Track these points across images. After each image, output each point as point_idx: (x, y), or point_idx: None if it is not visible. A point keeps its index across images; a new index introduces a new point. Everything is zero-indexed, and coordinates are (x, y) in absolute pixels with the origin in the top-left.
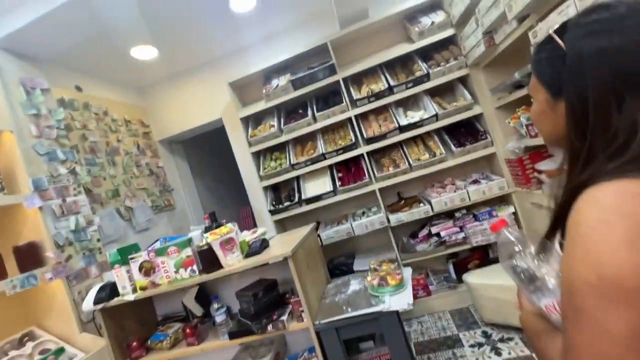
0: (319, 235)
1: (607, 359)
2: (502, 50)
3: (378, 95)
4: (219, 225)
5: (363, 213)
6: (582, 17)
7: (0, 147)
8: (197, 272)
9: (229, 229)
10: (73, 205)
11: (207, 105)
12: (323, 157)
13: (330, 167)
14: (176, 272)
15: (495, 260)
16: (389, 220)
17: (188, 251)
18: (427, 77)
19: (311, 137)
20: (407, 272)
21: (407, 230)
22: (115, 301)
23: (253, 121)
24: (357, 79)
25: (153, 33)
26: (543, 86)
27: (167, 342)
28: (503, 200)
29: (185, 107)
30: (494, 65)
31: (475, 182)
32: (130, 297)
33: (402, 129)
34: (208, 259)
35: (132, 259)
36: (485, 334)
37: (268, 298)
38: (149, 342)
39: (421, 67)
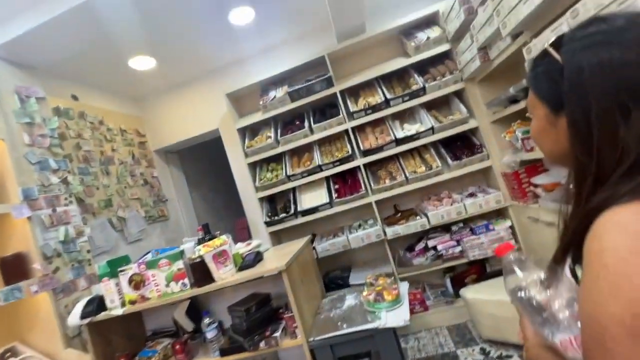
0: (314, 248)
1: None
2: (496, 66)
3: (375, 108)
4: (212, 237)
5: (359, 225)
6: (579, 30)
7: None
8: (188, 286)
9: (223, 241)
10: (63, 215)
11: (204, 116)
12: (319, 168)
13: (326, 178)
14: (167, 285)
15: (493, 275)
16: (385, 233)
17: (180, 264)
18: (423, 91)
19: (308, 148)
20: (404, 287)
21: (403, 243)
22: (102, 315)
23: (250, 132)
24: (354, 92)
25: (152, 44)
26: (542, 101)
27: (156, 359)
28: (500, 213)
29: (182, 117)
30: (489, 80)
31: (472, 195)
32: (119, 312)
33: (398, 141)
34: (200, 272)
35: (121, 271)
36: (484, 351)
37: (261, 313)
38: (137, 358)
39: (417, 81)
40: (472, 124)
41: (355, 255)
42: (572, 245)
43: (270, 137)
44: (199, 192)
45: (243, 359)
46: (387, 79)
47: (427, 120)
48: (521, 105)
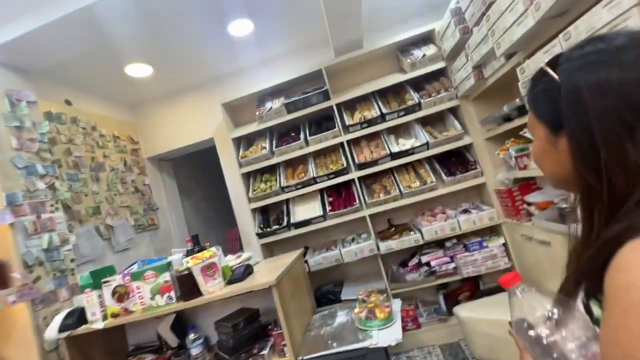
0: (306, 261)
1: None
2: (491, 84)
3: (370, 122)
4: (201, 249)
5: (353, 239)
6: (576, 49)
7: None
8: (174, 299)
9: (212, 253)
10: (48, 222)
11: (199, 125)
12: (314, 180)
13: (320, 191)
14: (152, 298)
15: (487, 293)
16: (378, 248)
17: (166, 276)
18: (418, 107)
19: (303, 160)
20: (397, 305)
21: (396, 258)
22: (82, 329)
23: (245, 142)
24: (350, 105)
25: (150, 52)
26: (541, 121)
27: None
28: (493, 230)
29: (177, 125)
30: (484, 98)
31: (466, 211)
32: (99, 325)
33: (393, 155)
34: (187, 285)
35: (105, 282)
36: None
37: (249, 330)
38: None
39: (413, 97)
40: (466, 140)
41: (348, 270)
42: (586, 277)
43: (265, 147)
44: (191, 201)
45: None
46: (383, 94)
47: (422, 136)
48: (515, 123)
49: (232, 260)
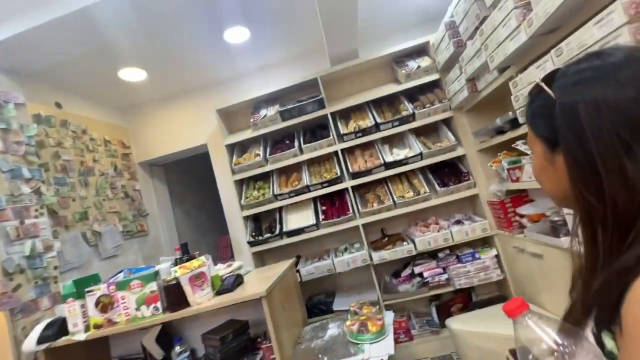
0: (298, 271)
1: None
2: (484, 97)
3: (365, 131)
4: (190, 258)
5: (345, 249)
6: (572, 65)
7: None
8: (160, 310)
9: (201, 262)
10: (32, 228)
11: (193, 130)
12: (307, 189)
13: (314, 199)
14: (137, 309)
15: (479, 305)
16: (371, 258)
17: (153, 286)
18: (412, 117)
19: (296, 168)
20: (389, 317)
21: (389, 269)
22: (62, 341)
23: (238, 149)
24: (345, 114)
25: (145, 57)
26: (538, 138)
27: None
28: (486, 242)
29: (170, 130)
30: (477, 110)
31: (459, 222)
32: (81, 337)
33: (387, 165)
34: (174, 296)
35: (89, 292)
36: None
37: (237, 342)
38: None
39: (407, 107)
40: (459, 151)
41: (340, 280)
42: (598, 307)
43: (259, 155)
44: (182, 207)
45: None
46: (378, 104)
47: (415, 146)
48: (507, 136)
49: (222, 270)
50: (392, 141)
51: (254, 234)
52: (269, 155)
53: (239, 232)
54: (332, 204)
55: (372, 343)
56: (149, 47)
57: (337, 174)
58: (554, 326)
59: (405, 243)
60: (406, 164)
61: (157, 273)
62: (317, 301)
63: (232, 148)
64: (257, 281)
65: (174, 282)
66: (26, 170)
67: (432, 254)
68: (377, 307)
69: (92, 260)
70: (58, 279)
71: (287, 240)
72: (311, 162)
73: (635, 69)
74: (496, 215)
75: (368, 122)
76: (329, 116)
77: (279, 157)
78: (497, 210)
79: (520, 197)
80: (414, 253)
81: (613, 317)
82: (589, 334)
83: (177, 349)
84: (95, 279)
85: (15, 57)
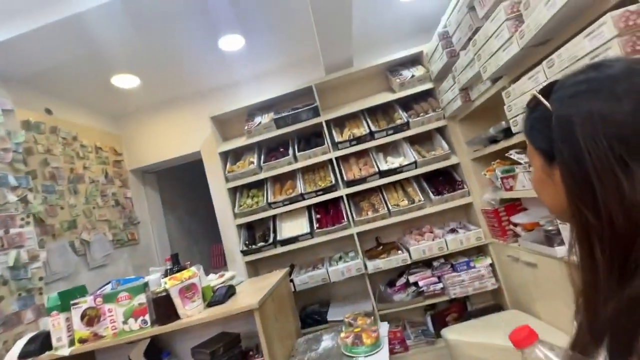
0: (292, 280)
1: None
2: (477, 106)
3: (359, 140)
4: (181, 269)
5: (340, 258)
6: (570, 77)
7: None
8: (148, 323)
9: (192, 273)
10: (17, 238)
11: (186, 137)
12: (302, 197)
13: (308, 208)
14: (124, 322)
15: (474, 315)
16: (366, 267)
17: (141, 298)
18: (407, 126)
19: (291, 176)
20: (384, 329)
21: (384, 278)
22: (46, 356)
23: (232, 156)
24: (340, 122)
25: (138, 63)
26: (536, 151)
27: None
28: (480, 250)
29: (163, 137)
30: (470, 119)
31: (453, 231)
32: (65, 352)
33: (381, 173)
34: (164, 308)
35: (74, 304)
36: None
37: (228, 356)
38: None
39: (401, 116)
40: (453, 160)
41: (334, 289)
42: (610, 336)
43: (253, 162)
44: (175, 215)
45: None
46: (372, 112)
47: (410, 154)
48: (501, 145)
49: (214, 280)
50: (387, 149)
51: (247, 242)
52: (263, 163)
53: (232, 240)
54: (327, 212)
55: (366, 356)
56: (143, 54)
57: (331, 182)
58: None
59: (400, 252)
60: (401, 172)
61: (146, 284)
62: (312, 311)
63: (226, 155)
64: (250, 292)
65: (164, 293)
66: (12, 178)
67: (426, 263)
68: (372, 318)
69: (80, 270)
70: (43, 290)
71: (281, 249)
72: (306, 170)
73: (633, 82)
74: (490, 224)
75: (363, 130)
76: (324, 124)
77: (274, 164)
78: (491, 219)
79: (514, 205)
80: (409, 262)
81: (630, 347)
82: None
83: None
84: (81, 291)
85: (5, 62)
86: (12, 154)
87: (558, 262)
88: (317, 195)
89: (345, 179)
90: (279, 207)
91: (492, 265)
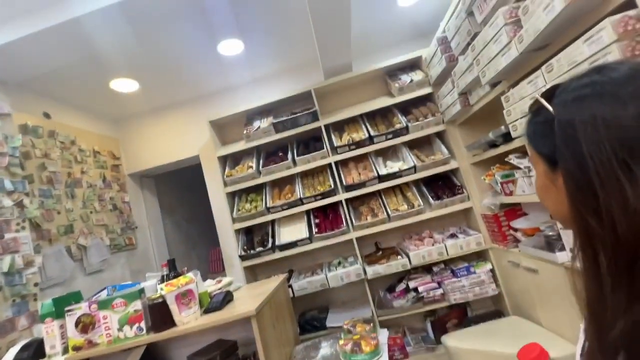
0: (290, 286)
1: None
2: (476, 111)
3: (359, 144)
4: (177, 275)
5: (339, 263)
6: (574, 80)
7: None
8: (144, 331)
9: (188, 279)
10: (12, 243)
11: (185, 142)
12: (300, 201)
13: (307, 212)
14: (120, 329)
15: (475, 321)
16: (365, 273)
17: (137, 304)
18: (406, 130)
19: (290, 180)
20: (384, 335)
21: (384, 283)
22: None
23: (231, 161)
24: (339, 127)
25: (137, 68)
26: (539, 156)
27: None
28: (480, 256)
29: (161, 141)
30: (469, 124)
31: (453, 236)
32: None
33: (381, 178)
34: (160, 315)
35: (68, 311)
36: None
37: None
38: None
39: (400, 120)
40: (452, 164)
41: (333, 295)
42: (625, 352)
43: (251, 167)
44: (173, 220)
45: None
46: (372, 117)
47: (409, 159)
48: (500, 149)
49: (211, 286)
50: (386, 154)
51: (245, 247)
52: (262, 167)
53: (230, 245)
54: (326, 217)
55: None
56: (142, 58)
57: (330, 186)
58: None
59: (399, 257)
60: (400, 176)
61: (141, 291)
62: (310, 317)
63: (224, 160)
64: (248, 298)
65: (160, 300)
66: (8, 182)
67: (426, 268)
68: (371, 325)
69: (76, 275)
70: (38, 296)
71: (280, 254)
72: (305, 175)
73: (638, 85)
74: (490, 229)
75: (362, 134)
76: (323, 128)
77: (272, 169)
78: (491, 224)
79: (514, 210)
80: (409, 267)
81: None
82: None
83: None
84: (76, 297)
85: (3, 65)
86: (8, 158)
87: (559, 267)
88: (316, 200)
89: (344, 183)
90: (278, 211)
91: (492, 270)
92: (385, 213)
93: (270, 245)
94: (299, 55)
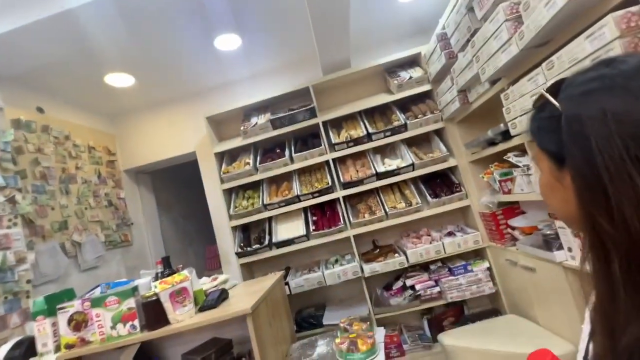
0: (287, 283)
1: None
2: (475, 108)
3: (357, 141)
4: (172, 273)
5: (336, 261)
6: (580, 74)
7: None
8: (137, 329)
9: (183, 277)
10: (3, 240)
11: (181, 137)
12: (298, 199)
13: (304, 209)
14: (112, 327)
15: (471, 319)
16: (362, 270)
17: (131, 302)
18: (404, 127)
19: (287, 177)
20: (380, 334)
21: (381, 281)
22: None
23: (228, 157)
24: (337, 124)
25: (133, 62)
26: (545, 153)
27: None
28: (478, 254)
29: (158, 137)
30: (468, 121)
31: (450, 234)
32: (50, 358)
33: (379, 175)
34: (153, 313)
35: (61, 309)
36: None
37: None
38: None
39: (399, 118)
40: (451, 162)
41: (330, 292)
42: (637, 354)
43: (248, 163)
44: (169, 216)
45: None
46: (370, 114)
47: (407, 157)
48: (499, 147)
49: (206, 284)
50: (384, 151)
51: (242, 244)
52: (259, 164)
53: (227, 242)
54: (323, 214)
55: None
56: (137, 52)
57: (328, 183)
58: None
59: (396, 255)
60: (398, 174)
61: (135, 288)
62: (307, 315)
63: (221, 156)
64: (243, 296)
65: (154, 298)
66: (0, 177)
67: (424, 266)
68: (368, 323)
69: (70, 272)
70: (31, 293)
71: (277, 252)
72: (302, 172)
73: None
74: (488, 227)
75: (360, 131)
76: (321, 125)
77: (269, 166)
78: (489, 222)
79: (512, 209)
80: (406, 265)
81: None
82: None
83: None
84: (69, 295)
85: None
86: (0, 153)
87: (557, 266)
88: (314, 197)
89: (342, 180)
90: (275, 208)
91: (489, 269)
92: (382, 211)
93: (267, 242)
94: (297, 51)
